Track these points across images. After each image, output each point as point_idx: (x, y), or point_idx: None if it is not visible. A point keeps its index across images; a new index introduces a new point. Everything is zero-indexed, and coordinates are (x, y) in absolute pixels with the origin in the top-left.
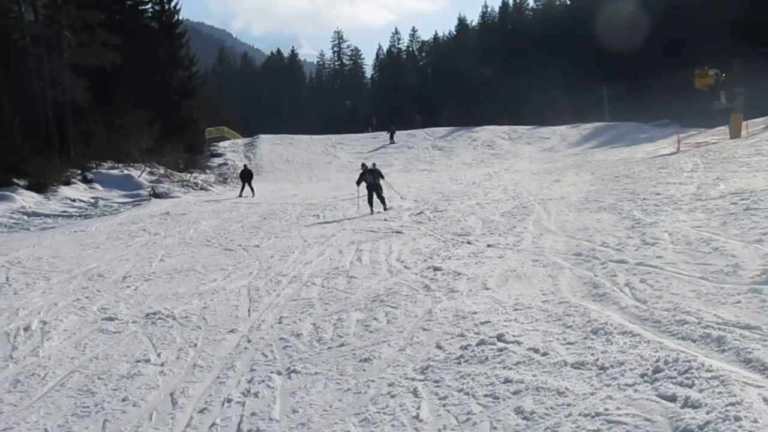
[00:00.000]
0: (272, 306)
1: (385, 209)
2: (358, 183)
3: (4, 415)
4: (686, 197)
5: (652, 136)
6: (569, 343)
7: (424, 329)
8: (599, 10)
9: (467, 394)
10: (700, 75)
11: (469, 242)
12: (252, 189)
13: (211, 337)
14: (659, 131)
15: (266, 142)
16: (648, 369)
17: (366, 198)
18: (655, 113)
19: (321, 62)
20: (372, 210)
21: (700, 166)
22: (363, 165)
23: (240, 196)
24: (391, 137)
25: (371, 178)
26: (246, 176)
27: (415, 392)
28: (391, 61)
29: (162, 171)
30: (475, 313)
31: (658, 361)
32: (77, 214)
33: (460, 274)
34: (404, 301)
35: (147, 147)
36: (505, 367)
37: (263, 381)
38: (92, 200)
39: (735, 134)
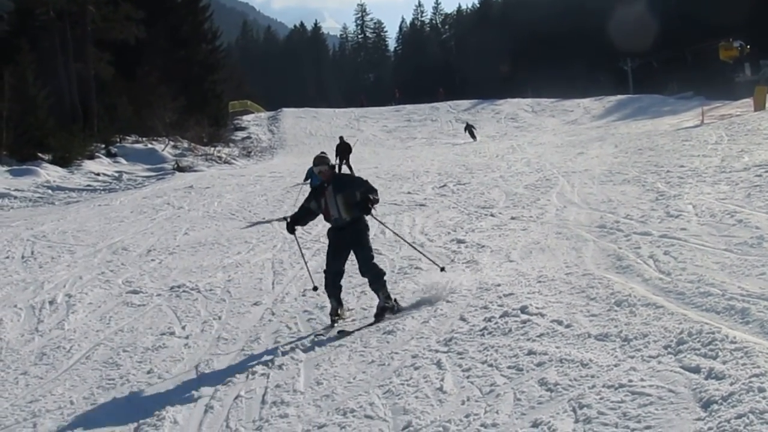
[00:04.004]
0: (296, 279)
1: (384, 302)
2: (293, 226)
3: (30, 388)
4: (710, 170)
5: (675, 108)
6: (593, 315)
7: (447, 301)
8: None
9: (491, 365)
10: (725, 47)
11: (492, 215)
12: (351, 169)
13: (235, 310)
14: (683, 104)
15: (290, 115)
16: (672, 341)
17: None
18: (678, 86)
19: (344, 36)
20: (337, 316)
21: (725, 138)
22: (319, 160)
23: None
24: (472, 135)
25: (337, 209)
26: (343, 152)
27: (438, 364)
28: (414, 34)
29: (186, 145)
30: (499, 285)
31: (681, 332)
32: (101, 188)
33: (483, 246)
34: (427, 274)
35: (171, 121)
36: (528, 339)
37: (287, 353)
38: (116, 174)
39: (760, 106)
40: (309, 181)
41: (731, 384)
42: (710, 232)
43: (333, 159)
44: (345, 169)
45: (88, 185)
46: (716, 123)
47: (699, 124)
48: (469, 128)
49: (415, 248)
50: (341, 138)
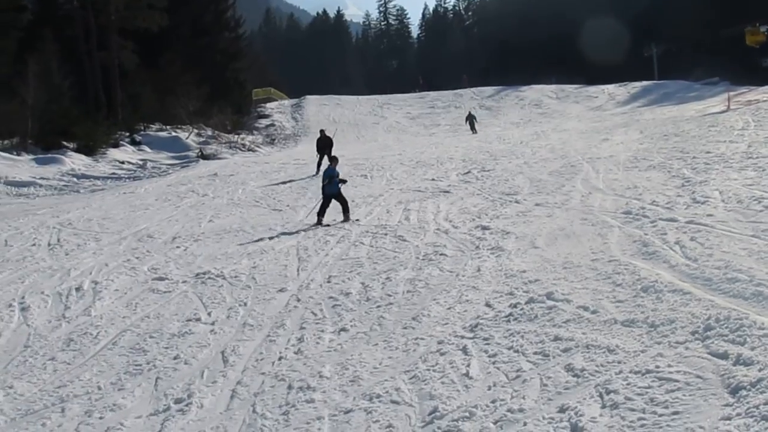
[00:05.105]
0: (321, 265)
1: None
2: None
3: (58, 373)
4: (737, 155)
5: (701, 94)
6: (619, 301)
7: (473, 288)
8: None
9: (517, 351)
10: (752, 32)
11: (517, 201)
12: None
13: (260, 296)
14: (708, 90)
15: (313, 102)
16: (699, 327)
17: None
18: (704, 71)
19: (367, 23)
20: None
21: (751, 124)
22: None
23: (316, 174)
24: (473, 126)
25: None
26: (321, 147)
27: (464, 350)
28: (437, 20)
29: (209, 132)
30: (524, 271)
31: (709, 318)
32: (126, 176)
33: (508, 233)
34: (452, 260)
35: (194, 109)
36: (554, 325)
37: (313, 339)
38: (141, 162)
39: None
40: (325, 183)
41: (760, 370)
42: (737, 218)
43: (315, 154)
44: (326, 164)
45: (113, 173)
46: (742, 109)
47: (725, 110)
48: (470, 119)
49: None
50: (322, 131)
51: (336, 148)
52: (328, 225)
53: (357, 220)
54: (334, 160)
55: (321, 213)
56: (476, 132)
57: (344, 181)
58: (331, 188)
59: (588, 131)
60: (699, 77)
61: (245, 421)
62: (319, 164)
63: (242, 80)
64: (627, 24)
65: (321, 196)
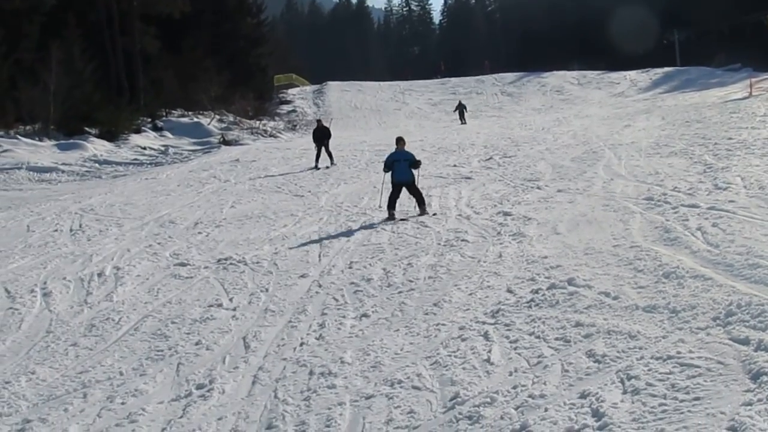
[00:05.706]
0: (342, 251)
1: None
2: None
3: (80, 359)
4: (759, 142)
5: (723, 80)
6: (640, 287)
7: (494, 274)
8: None
9: (538, 337)
10: None
11: (539, 187)
12: (330, 155)
13: (282, 282)
14: (731, 76)
15: (335, 88)
16: (720, 312)
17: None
18: (726, 58)
19: (389, 8)
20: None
21: None
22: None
23: (315, 167)
24: (462, 116)
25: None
26: (319, 137)
27: (485, 336)
28: (459, 6)
29: (231, 118)
30: (546, 257)
31: (730, 304)
32: (148, 161)
33: (530, 218)
34: (474, 246)
35: (216, 95)
36: (576, 311)
37: (334, 324)
38: (162, 148)
39: None
40: (390, 171)
41: None
42: (759, 204)
43: (312, 146)
44: (324, 156)
45: (135, 159)
46: (765, 95)
47: (747, 96)
48: (460, 108)
49: None
50: (318, 121)
51: (358, 134)
52: (404, 219)
53: (434, 213)
54: (400, 141)
55: (391, 205)
56: (465, 122)
57: (419, 163)
58: (402, 175)
59: (610, 117)
60: (721, 63)
61: (267, 407)
62: (317, 156)
63: (264, 66)
64: (649, 10)
65: (390, 186)
